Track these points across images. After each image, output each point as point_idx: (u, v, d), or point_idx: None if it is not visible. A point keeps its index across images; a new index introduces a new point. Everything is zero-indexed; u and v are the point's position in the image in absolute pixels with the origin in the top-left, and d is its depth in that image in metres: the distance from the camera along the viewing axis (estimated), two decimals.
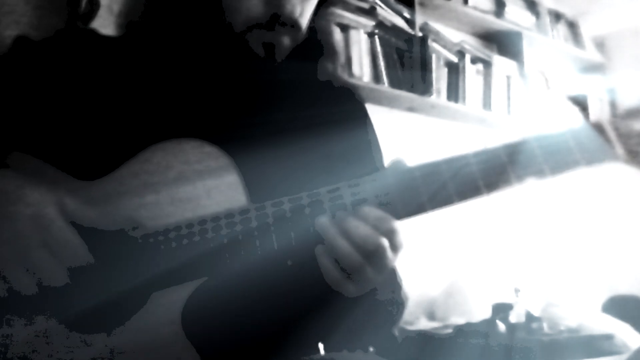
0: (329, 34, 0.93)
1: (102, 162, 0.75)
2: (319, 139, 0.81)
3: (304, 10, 0.82)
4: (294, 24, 0.81)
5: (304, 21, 0.83)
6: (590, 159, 0.67)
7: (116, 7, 0.87)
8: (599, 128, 0.68)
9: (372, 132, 0.94)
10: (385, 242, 0.68)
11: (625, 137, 0.67)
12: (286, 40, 0.82)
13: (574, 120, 0.69)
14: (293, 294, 0.75)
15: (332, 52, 0.93)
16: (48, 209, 0.68)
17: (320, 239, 0.69)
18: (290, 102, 0.86)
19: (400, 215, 0.69)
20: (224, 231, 0.70)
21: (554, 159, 0.68)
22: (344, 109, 0.92)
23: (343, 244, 0.67)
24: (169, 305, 0.70)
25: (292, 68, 0.86)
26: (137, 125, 0.78)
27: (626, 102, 0.68)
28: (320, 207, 0.69)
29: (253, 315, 0.77)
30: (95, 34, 0.91)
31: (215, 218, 0.70)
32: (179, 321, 0.69)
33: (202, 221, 0.71)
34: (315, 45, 0.90)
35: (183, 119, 0.80)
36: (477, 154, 0.69)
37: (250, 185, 0.73)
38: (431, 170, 0.69)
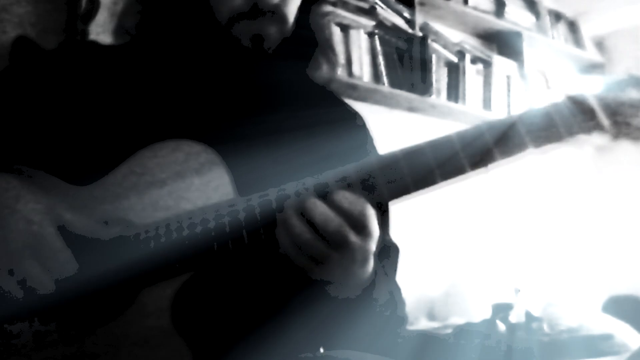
0: (323, 31, 0.92)
1: (94, 167, 0.76)
2: (310, 139, 0.81)
3: (288, 1, 0.82)
4: (275, 11, 0.81)
5: (288, 10, 0.83)
6: (573, 132, 0.68)
7: (115, 18, 0.88)
8: (582, 100, 0.68)
9: (361, 131, 0.94)
10: (343, 222, 0.66)
11: (610, 109, 0.68)
12: (272, 30, 0.82)
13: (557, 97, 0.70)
14: (283, 285, 0.76)
15: (327, 49, 0.93)
16: (40, 217, 0.68)
17: None
18: (282, 102, 0.86)
19: (385, 198, 0.69)
20: (211, 224, 0.70)
21: (537, 133, 0.68)
22: (337, 110, 0.93)
23: (295, 222, 0.66)
24: (158, 299, 0.70)
25: (284, 68, 0.86)
26: (128, 131, 0.79)
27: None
28: (304, 195, 0.69)
29: (243, 307, 0.77)
30: (94, 44, 0.92)
31: (204, 212, 0.71)
32: (169, 315, 0.70)
33: (191, 216, 0.71)
34: (310, 43, 0.90)
35: (174, 122, 0.81)
36: (459, 133, 0.69)
37: (239, 183, 0.73)
38: (414, 152, 0.69)
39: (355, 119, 0.95)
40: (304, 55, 0.89)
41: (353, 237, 0.66)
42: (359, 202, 0.67)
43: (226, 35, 0.82)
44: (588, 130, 0.68)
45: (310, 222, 0.66)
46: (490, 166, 0.68)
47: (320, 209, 0.66)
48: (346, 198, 0.66)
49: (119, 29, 0.89)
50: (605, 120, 0.67)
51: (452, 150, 0.68)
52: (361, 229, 0.67)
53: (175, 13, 0.84)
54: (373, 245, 0.70)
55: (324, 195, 0.67)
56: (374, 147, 0.94)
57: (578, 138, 0.68)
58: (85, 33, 1.76)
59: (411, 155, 0.69)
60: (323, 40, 0.92)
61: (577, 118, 0.67)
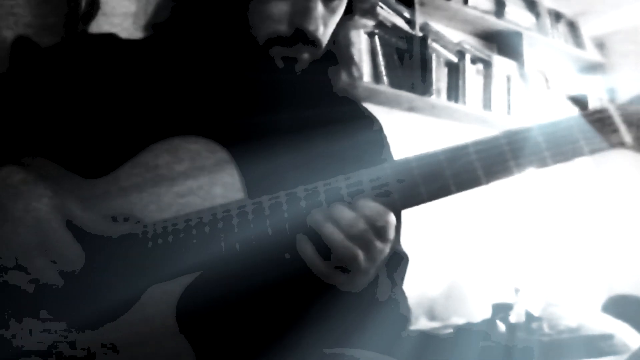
0: (346, 43, 0.92)
1: (106, 160, 0.76)
2: (325, 141, 0.81)
3: (326, 30, 0.83)
4: (316, 42, 0.81)
5: (325, 39, 0.84)
6: (594, 147, 0.65)
7: (143, 13, 0.87)
8: (604, 115, 0.65)
9: (377, 134, 0.94)
10: (368, 226, 0.67)
11: (634, 124, 0.64)
12: (306, 56, 0.83)
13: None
14: (291, 289, 0.75)
15: (347, 60, 0.93)
16: (48, 211, 0.68)
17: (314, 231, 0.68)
18: (299, 103, 0.86)
19: (398, 206, 0.69)
20: (220, 225, 0.70)
21: (557, 147, 0.66)
22: (348, 110, 0.92)
23: (330, 229, 0.67)
24: (164, 299, 0.70)
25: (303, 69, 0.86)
26: (142, 124, 0.79)
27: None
28: (316, 200, 0.69)
29: (248, 311, 0.77)
30: (112, 36, 0.91)
31: (213, 212, 0.71)
32: (173, 315, 0.70)
33: (200, 215, 0.71)
34: (328, 51, 0.89)
35: (187, 118, 0.80)
36: (476, 143, 0.68)
37: (250, 183, 0.73)
38: (429, 161, 0.68)
39: (372, 123, 0.95)
40: (323, 57, 0.88)
41: (378, 244, 0.68)
42: (382, 209, 0.67)
43: (260, 54, 0.81)
44: (610, 146, 0.65)
45: (339, 226, 0.67)
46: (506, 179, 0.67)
47: (346, 214, 0.67)
48: (369, 205, 0.67)
49: (150, 24, 0.89)
50: (627, 136, 0.65)
51: (468, 161, 0.67)
52: (383, 236, 0.68)
53: (210, 18, 0.83)
54: (387, 250, 0.71)
55: (341, 200, 0.68)
56: (389, 154, 0.94)
57: (598, 153, 0.65)
58: (85, 33, 1.76)
59: (426, 164, 0.68)
60: (345, 51, 0.92)
61: (600, 133, 0.65)
